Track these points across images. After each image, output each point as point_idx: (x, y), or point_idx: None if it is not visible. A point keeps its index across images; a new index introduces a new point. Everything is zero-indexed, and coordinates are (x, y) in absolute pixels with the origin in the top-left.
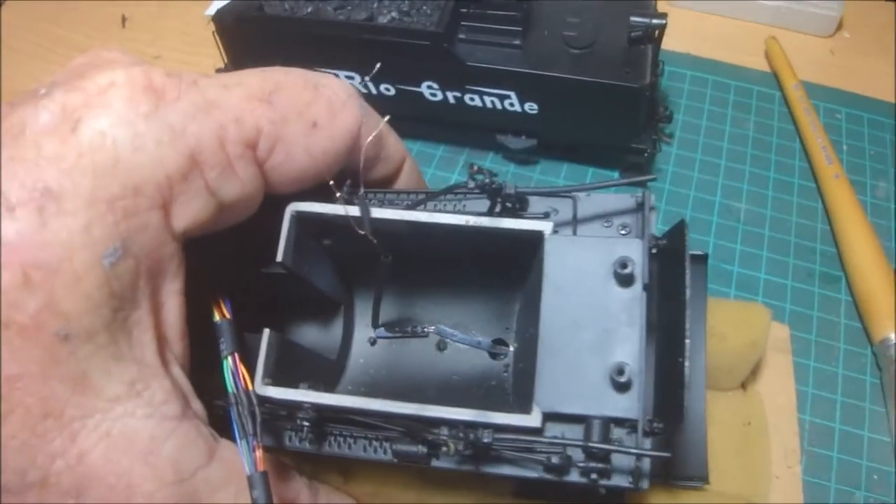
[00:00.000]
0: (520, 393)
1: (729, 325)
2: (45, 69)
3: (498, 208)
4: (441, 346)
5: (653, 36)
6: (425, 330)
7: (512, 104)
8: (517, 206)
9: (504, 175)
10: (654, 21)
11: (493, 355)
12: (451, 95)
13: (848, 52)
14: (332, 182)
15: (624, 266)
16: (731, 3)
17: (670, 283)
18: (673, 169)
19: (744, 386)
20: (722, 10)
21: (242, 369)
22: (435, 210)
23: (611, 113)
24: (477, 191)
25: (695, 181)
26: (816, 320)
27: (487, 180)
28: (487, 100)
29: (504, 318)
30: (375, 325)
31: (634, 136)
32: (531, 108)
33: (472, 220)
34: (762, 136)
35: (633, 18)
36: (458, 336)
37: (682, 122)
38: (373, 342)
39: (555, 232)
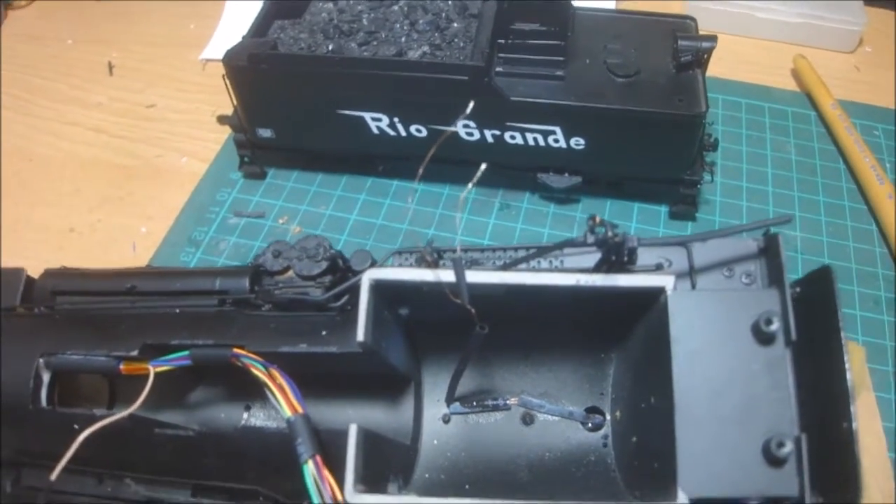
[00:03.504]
0: (633, 471)
1: None
2: (25, 123)
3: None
4: (527, 420)
5: (701, 59)
6: (507, 402)
7: (557, 140)
8: (628, 259)
9: (545, 216)
10: (704, 44)
11: (589, 426)
12: (489, 134)
13: (873, 67)
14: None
15: (769, 322)
16: (749, 22)
17: (810, 335)
18: (721, 199)
19: None
20: (740, 30)
21: (328, 476)
22: (527, 269)
23: (665, 144)
24: (595, 247)
25: (745, 210)
26: (891, 350)
27: (610, 234)
28: (530, 137)
29: (596, 383)
30: (450, 401)
31: (688, 168)
32: (577, 143)
33: (584, 280)
34: (805, 159)
35: (681, 42)
36: (546, 407)
37: (721, 148)
38: (446, 420)
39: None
